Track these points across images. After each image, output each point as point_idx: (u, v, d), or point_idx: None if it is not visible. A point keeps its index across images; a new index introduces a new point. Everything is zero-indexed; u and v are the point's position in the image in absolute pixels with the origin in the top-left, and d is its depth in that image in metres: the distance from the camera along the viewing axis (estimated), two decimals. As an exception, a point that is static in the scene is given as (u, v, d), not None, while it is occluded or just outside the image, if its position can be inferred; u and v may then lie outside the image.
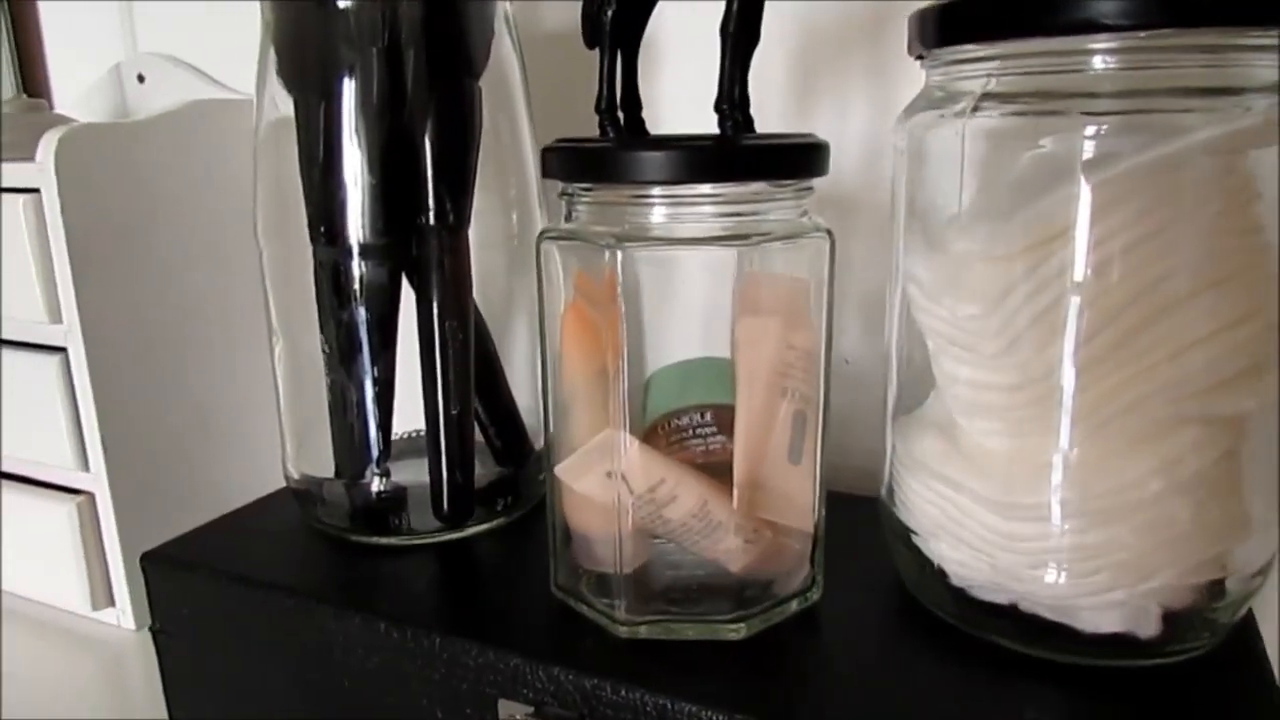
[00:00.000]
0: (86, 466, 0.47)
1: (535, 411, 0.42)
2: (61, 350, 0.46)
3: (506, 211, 0.40)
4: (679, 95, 0.46)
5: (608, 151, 0.27)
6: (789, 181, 0.28)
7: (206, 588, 0.36)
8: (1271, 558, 0.28)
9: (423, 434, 0.41)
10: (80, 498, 0.47)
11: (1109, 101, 0.26)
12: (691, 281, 0.30)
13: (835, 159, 0.30)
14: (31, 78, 0.63)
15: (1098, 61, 0.25)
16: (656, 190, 0.27)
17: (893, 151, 0.31)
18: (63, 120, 0.49)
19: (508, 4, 0.37)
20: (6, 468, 0.50)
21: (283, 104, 0.36)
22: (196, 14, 0.57)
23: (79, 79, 0.62)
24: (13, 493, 0.49)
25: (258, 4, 0.36)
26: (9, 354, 0.47)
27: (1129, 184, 0.25)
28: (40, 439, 0.47)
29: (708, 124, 0.36)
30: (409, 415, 0.39)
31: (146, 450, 0.48)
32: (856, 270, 0.43)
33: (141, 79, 0.58)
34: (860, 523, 0.34)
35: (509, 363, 0.41)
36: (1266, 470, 0.27)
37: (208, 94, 0.56)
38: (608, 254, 0.27)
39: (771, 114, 0.44)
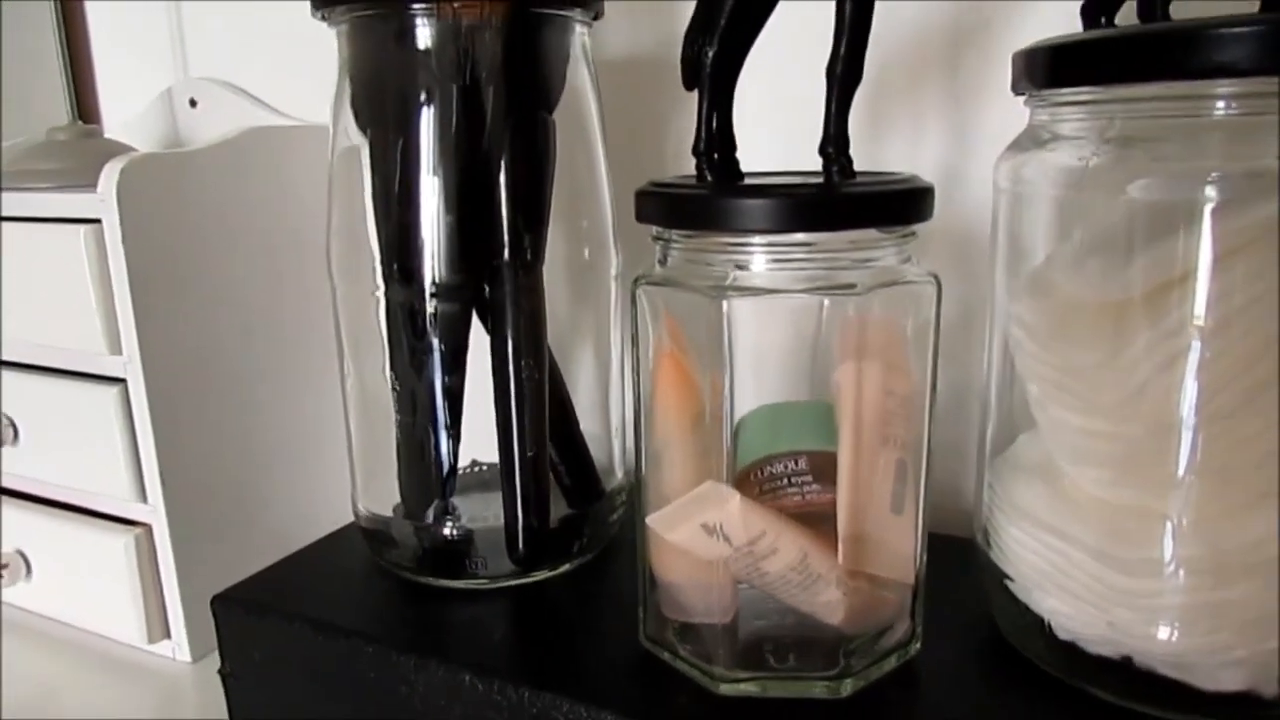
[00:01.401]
0: (144, 498, 0.46)
1: (603, 446, 0.41)
2: (121, 381, 0.45)
3: (575, 245, 0.39)
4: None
5: (711, 199, 0.26)
6: (895, 227, 0.27)
7: (279, 631, 0.35)
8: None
9: (483, 466, 0.41)
10: (138, 529, 0.47)
11: (1232, 147, 0.25)
12: (787, 326, 0.29)
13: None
14: (83, 102, 0.63)
15: (1221, 106, 0.25)
16: (759, 238, 0.26)
17: (993, 190, 0.30)
18: (119, 147, 0.49)
19: (585, 33, 0.37)
20: (64, 498, 0.50)
21: (355, 134, 0.36)
22: (249, 38, 0.57)
23: (129, 103, 0.62)
24: (70, 524, 0.49)
25: (311, 28, 0.35)
26: (68, 384, 0.47)
27: (1255, 232, 0.24)
28: (98, 470, 0.47)
29: (766, 154, 0.35)
30: (473, 446, 0.38)
31: (205, 482, 0.47)
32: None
33: (194, 104, 0.57)
34: (945, 564, 0.33)
35: (572, 398, 0.40)
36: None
37: (261, 119, 0.55)
38: (713, 303, 0.26)
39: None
